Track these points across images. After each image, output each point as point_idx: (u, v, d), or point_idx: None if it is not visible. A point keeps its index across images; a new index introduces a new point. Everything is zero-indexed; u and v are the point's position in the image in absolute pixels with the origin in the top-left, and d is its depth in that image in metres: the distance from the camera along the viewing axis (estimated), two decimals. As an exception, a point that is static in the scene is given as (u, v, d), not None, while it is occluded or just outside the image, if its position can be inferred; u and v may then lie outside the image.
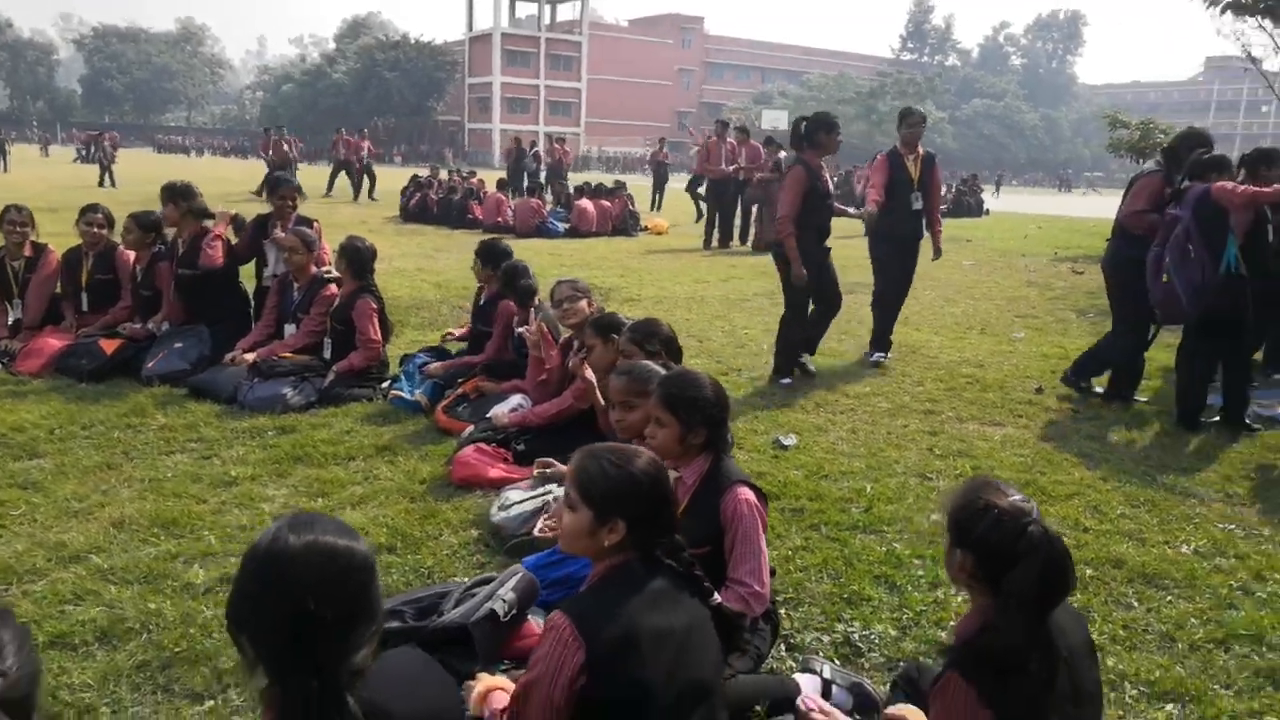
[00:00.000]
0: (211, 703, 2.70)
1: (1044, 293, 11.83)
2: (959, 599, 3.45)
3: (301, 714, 1.45)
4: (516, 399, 5.05)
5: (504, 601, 2.66)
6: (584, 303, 4.90)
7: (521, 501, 3.89)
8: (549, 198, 20.30)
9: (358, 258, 5.94)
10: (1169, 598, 3.53)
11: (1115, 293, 6.41)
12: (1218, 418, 5.80)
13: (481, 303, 6.16)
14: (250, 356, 5.89)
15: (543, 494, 3.91)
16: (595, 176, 25.51)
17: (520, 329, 5.44)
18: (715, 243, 15.87)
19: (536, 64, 72.78)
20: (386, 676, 1.58)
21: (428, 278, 10.80)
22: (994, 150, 76.53)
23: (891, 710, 2.44)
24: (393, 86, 68.62)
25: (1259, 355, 7.29)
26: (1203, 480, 4.86)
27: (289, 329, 6.21)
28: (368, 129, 31.52)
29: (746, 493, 2.86)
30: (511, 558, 3.61)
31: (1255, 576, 3.72)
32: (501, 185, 19.45)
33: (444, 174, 21.65)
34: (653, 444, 2.87)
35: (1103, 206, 33.64)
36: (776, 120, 51.81)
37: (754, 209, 16.02)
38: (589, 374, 4.31)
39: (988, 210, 28.17)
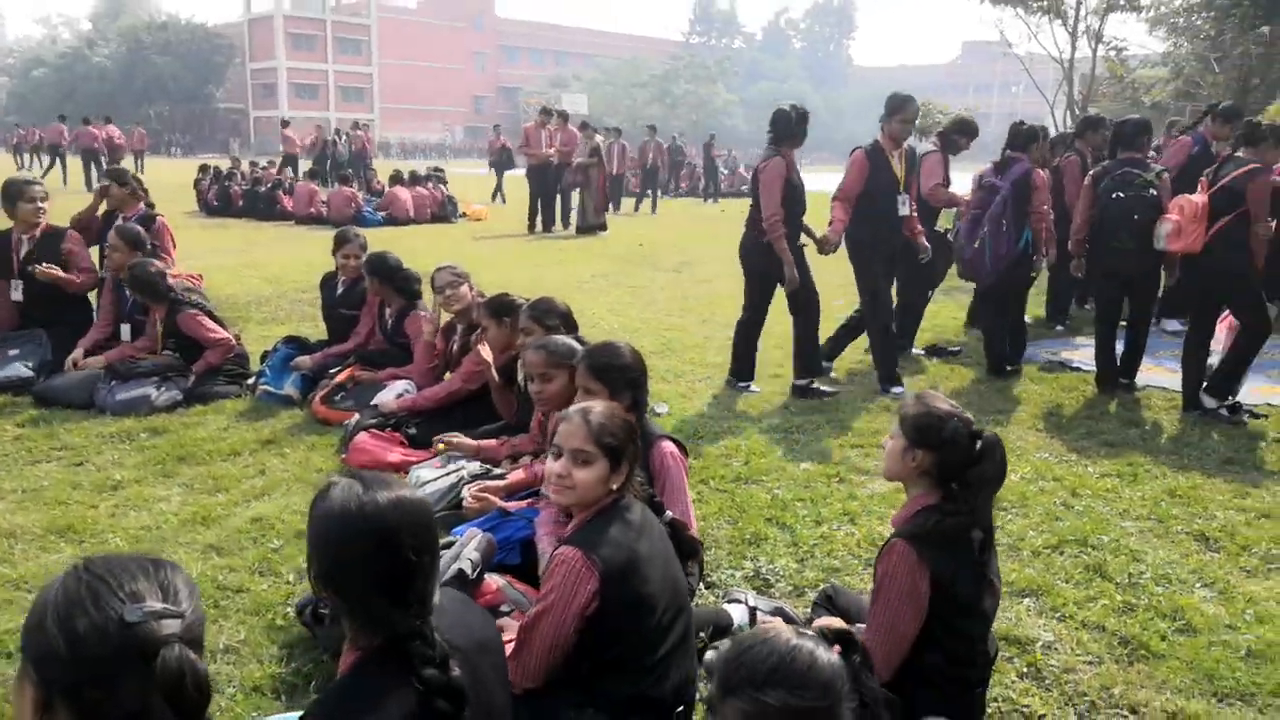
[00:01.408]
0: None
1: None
2: (842, 532, 3.93)
3: (402, 650, 1.65)
4: (402, 385, 5.15)
5: (470, 561, 2.87)
6: (465, 288, 5.06)
7: (435, 479, 4.05)
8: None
9: (147, 283, 5.62)
10: (1009, 516, 4.15)
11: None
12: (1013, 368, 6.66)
13: (340, 291, 6.15)
14: (96, 360, 5.65)
15: (454, 470, 4.09)
16: (399, 165, 24.98)
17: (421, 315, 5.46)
18: (539, 227, 16.09)
19: (324, 48, 69.77)
20: (441, 611, 1.79)
21: (255, 272, 10.47)
22: (782, 131, 79.98)
23: (819, 621, 2.85)
24: (164, 71, 63.73)
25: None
26: (1017, 419, 5.62)
27: (125, 329, 5.97)
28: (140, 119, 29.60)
29: (670, 447, 3.21)
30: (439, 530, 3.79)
31: (1072, 494, 4.42)
32: (312, 175, 18.82)
33: (245, 165, 20.68)
34: None
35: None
36: (576, 104, 52.18)
37: (574, 193, 16.36)
38: (485, 353, 4.51)
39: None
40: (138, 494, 4.25)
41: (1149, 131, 6.20)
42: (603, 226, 16.18)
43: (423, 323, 5.28)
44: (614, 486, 2.42)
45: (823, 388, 6.13)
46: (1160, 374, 6.48)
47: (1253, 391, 5.96)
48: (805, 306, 6.12)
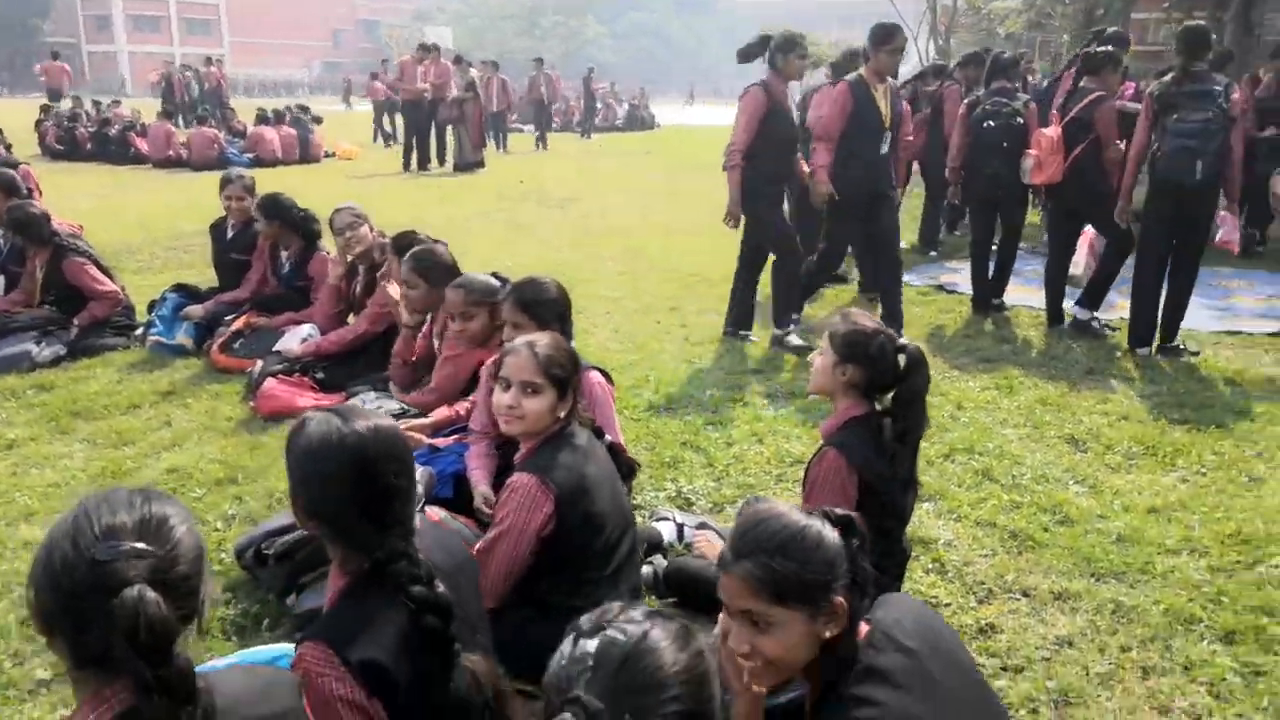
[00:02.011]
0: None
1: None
2: (752, 452, 4.16)
3: (389, 570, 1.74)
4: (306, 329, 5.08)
5: (417, 495, 2.94)
6: (365, 228, 5.00)
7: (354, 420, 4.05)
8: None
9: (29, 225, 5.35)
10: (902, 428, 4.46)
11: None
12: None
13: (230, 236, 5.95)
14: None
15: (376, 409, 4.10)
16: (259, 103, 23.90)
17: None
18: (414, 165, 15.72)
19: (163, -25, 65.12)
20: (421, 534, 1.88)
21: (118, 219, 9.94)
22: (651, 64, 79.68)
23: None
24: (-21, 1, 58.42)
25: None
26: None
27: (-1, 282, 5.67)
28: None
29: (598, 376, 3.33)
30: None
31: (957, 406, 4.76)
32: (166, 115, 17.75)
33: (88, 104, 19.37)
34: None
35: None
36: (441, 37, 50.46)
37: (449, 129, 16.00)
38: (393, 290, 4.49)
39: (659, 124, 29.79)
40: (36, 452, 4.11)
41: (1018, 64, 6.55)
42: (481, 164, 15.94)
43: (328, 265, 5.19)
44: (561, 414, 2.53)
45: (795, 341, 5.70)
46: (1026, 293, 6.95)
47: (1109, 308, 6.47)
48: (782, 256, 5.78)
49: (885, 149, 5.72)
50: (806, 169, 5.88)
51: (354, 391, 4.50)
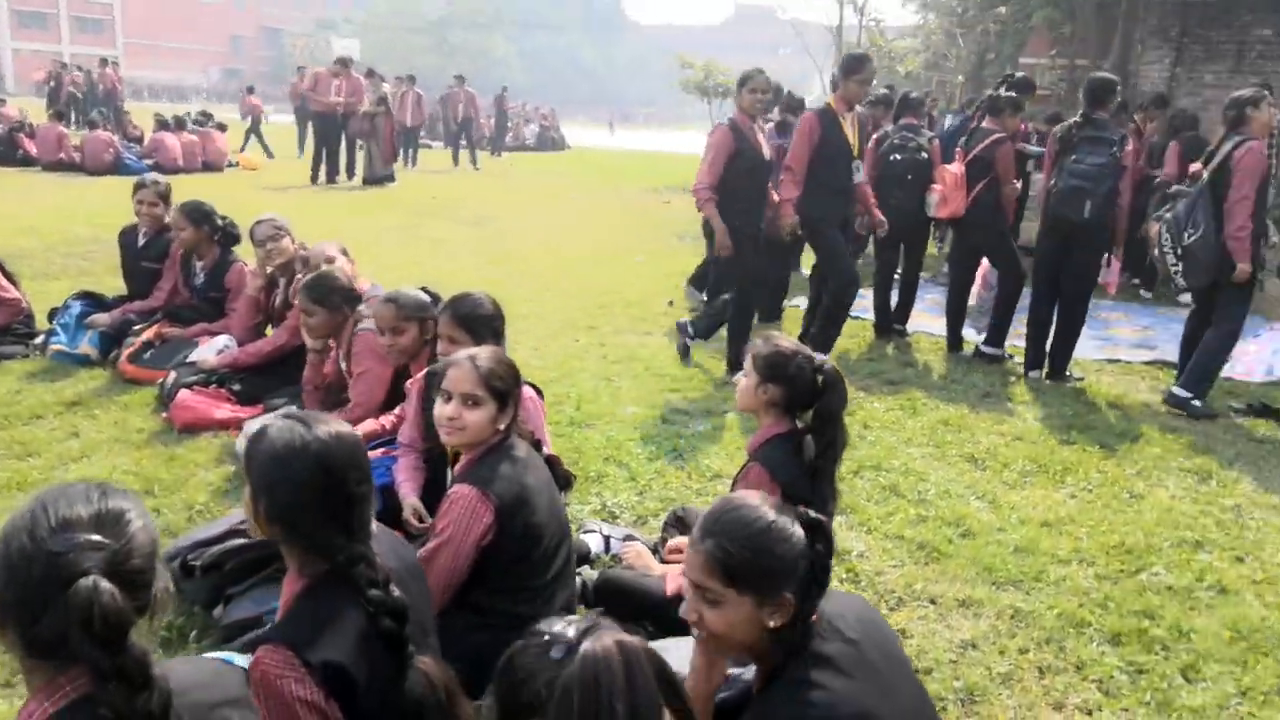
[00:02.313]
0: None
1: (646, 220, 13.27)
2: (673, 468, 4.28)
3: (350, 573, 1.79)
4: (222, 340, 4.99)
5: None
6: (287, 240, 4.96)
7: (275, 433, 4.02)
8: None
9: None
10: (815, 446, 4.65)
11: None
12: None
13: (142, 243, 5.80)
14: None
15: (295, 424, 4.07)
16: (156, 108, 23.14)
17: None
18: (323, 177, 15.48)
19: (53, -30, 62.39)
20: (376, 539, 1.92)
21: (9, 224, 9.52)
22: (560, 85, 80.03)
23: (673, 542, 3.17)
24: None
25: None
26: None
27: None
28: None
29: (530, 392, 3.40)
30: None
31: (864, 426, 4.99)
32: (58, 117, 17.04)
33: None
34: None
35: (662, 141, 37.14)
36: (347, 49, 49.73)
37: (359, 143, 15.81)
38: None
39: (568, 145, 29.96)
40: (-66, 463, 3.96)
41: (923, 103, 6.92)
42: (391, 178, 15.79)
43: (245, 276, 5.12)
44: (500, 426, 2.60)
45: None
46: (926, 320, 7.29)
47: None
48: (739, 287, 5.70)
49: (859, 178, 5.82)
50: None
51: (272, 404, 4.47)
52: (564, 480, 2.94)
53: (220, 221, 5.27)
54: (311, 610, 1.79)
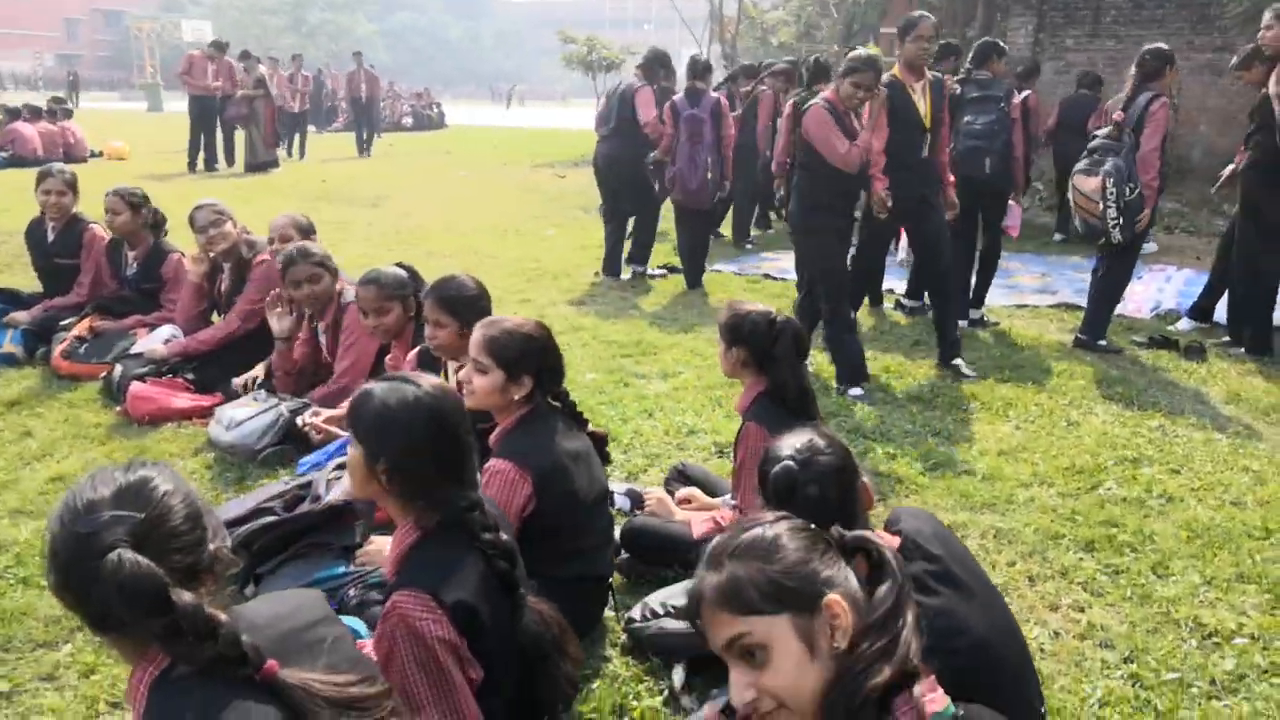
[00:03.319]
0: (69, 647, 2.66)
1: (544, 195, 13.26)
2: (648, 425, 4.41)
3: (465, 520, 1.86)
4: (167, 330, 4.84)
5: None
6: (230, 225, 4.83)
7: (252, 417, 3.96)
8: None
9: None
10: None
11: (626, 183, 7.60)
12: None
13: (52, 238, 5.53)
14: None
15: (270, 406, 4.02)
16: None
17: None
18: (200, 165, 14.86)
19: None
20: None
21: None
22: (425, 64, 78.26)
23: (683, 492, 3.31)
24: None
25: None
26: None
27: None
28: None
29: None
30: (269, 467, 3.79)
31: (816, 376, 5.22)
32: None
33: None
34: (435, 343, 3.29)
35: (543, 117, 36.88)
36: (199, 30, 47.35)
37: (238, 129, 15.22)
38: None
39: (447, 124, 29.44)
40: (-121, 471, 3.74)
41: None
42: (274, 163, 15.29)
43: (186, 264, 4.96)
44: (515, 396, 2.64)
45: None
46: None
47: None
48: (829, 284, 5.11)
49: (925, 152, 5.28)
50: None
51: (231, 392, 4.39)
52: (600, 440, 2.99)
53: (147, 206, 5.09)
54: (436, 557, 1.85)
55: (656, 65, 7.63)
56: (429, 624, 1.75)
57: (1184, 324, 6.35)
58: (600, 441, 2.94)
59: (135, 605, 1.32)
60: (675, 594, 2.71)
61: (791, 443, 2.00)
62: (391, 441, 1.85)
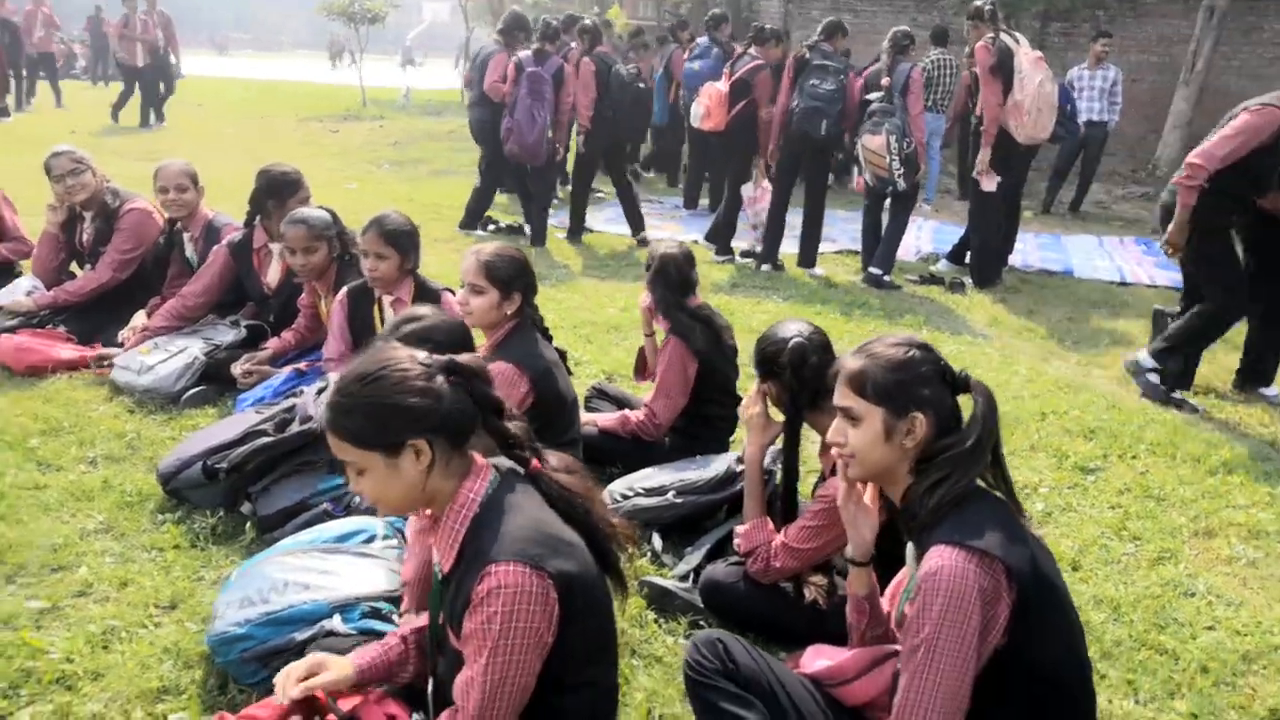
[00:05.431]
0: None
1: (325, 150, 12.98)
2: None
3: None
4: (26, 282, 4.67)
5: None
6: (89, 174, 4.70)
7: (164, 360, 4.02)
8: None
9: None
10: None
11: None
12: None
13: None
14: None
15: (179, 350, 4.08)
16: None
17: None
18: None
19: None
20: None
21: None
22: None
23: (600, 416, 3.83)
24: None
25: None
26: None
27: None
28: None
29: (450, 296, 3.82)
30: (197, 405, 3.92)
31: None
32: None
33: None
34: (377, 274, 3.57)
35: (270, 69, 34.75)
36: None
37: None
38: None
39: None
40: None
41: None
42: (4, 112, 13.88)
43: (46, 212, 4.78)
44: (508, 311, 3.07)
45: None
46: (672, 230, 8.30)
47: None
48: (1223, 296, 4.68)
49: None
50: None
51: (112, 342, 4.38)
52: (561, 354, 3.43)
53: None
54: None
55: (516, 29, 7.96)
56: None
57: (943, 265, 7.58)
58: (562, 356, 3.40)
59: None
60: (634, 480, 3.25)
61: (791, 327, 2.59)
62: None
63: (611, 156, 8.02)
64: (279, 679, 1.87)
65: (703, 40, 8.18)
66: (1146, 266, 8.01)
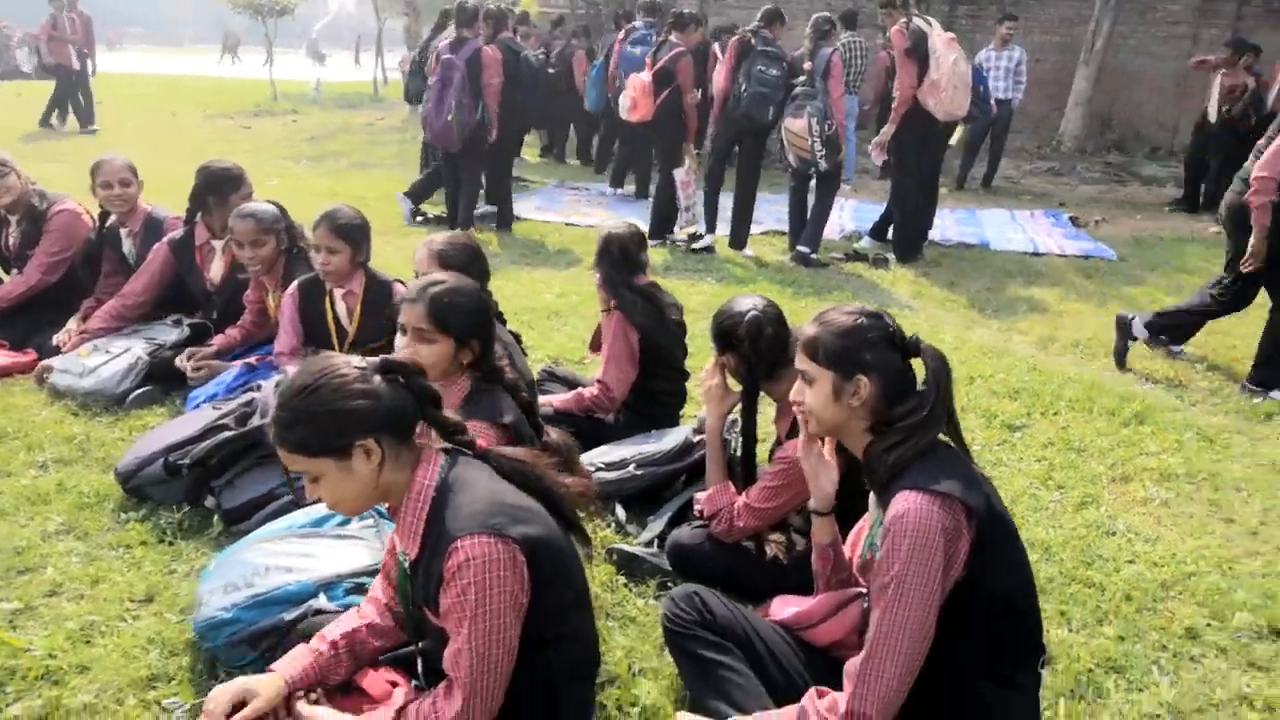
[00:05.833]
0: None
1: (238, 146, 12.68)
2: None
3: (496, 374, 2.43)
4: (-50, 288, 4.56)
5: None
6: (14, 176, 4.59)
7: (105, 362, 3.98)
8: None
9: None
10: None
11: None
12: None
13: None
14: None
15: (121, 351, 4.05)
16: None
17: None
18: None
19: None
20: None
21: None
22: (23, 6, 67.56)
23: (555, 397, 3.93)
24: None
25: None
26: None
27: None
28: None
29: (400, 287, 3.87)
30: (143, 405, 3.90)
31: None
32: None
33: None
34: (329, 268, 3.59)
35: (164, 64, 33.62)
36: None
37: None
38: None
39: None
40: None
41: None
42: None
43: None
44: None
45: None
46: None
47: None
48: None
49: None
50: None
51: (46, 346, 4.32)
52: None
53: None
54: (489, 397, 2.38)
55: (445, 18, 7.92)
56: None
57: (865, 242, 7.84)
58: (516, 338, 3.48)
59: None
60: (594, 455, 3.36)
61: (746, 302, 2.74)
62: (480, 324, 2.41)
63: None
64: (207, 703, 1.89)
65: (639, 24, 8.18)
66: (1056, 237, 8.43)
